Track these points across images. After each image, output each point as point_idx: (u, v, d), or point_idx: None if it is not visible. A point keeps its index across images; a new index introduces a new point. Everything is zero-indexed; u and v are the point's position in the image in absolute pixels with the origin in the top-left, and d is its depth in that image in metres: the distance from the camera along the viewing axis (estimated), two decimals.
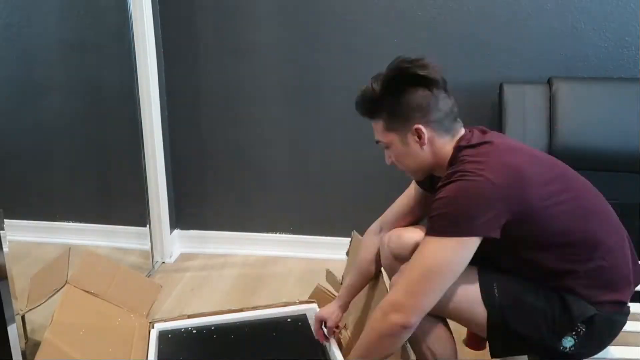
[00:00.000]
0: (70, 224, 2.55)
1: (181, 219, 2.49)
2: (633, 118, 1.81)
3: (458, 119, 1.22)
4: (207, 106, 2.32)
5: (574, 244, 1.12)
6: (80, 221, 2.55)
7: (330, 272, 1.97)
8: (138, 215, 2.34)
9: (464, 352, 1.75)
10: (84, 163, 2.49)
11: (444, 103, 1.18)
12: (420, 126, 1.17)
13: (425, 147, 1.19)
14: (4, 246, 1.36)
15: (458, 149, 1.17)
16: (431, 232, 1.10)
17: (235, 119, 2.31)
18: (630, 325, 1.52)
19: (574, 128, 1.85)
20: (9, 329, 1.33)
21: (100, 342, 1.52)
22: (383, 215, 1.52)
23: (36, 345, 1.42)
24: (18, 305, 1.51)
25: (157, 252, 2.38)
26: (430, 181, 1.33)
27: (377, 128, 1.23)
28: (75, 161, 2.49)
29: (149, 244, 2.35)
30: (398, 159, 1.25)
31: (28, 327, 1.71)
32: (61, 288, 1.60)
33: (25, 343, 1.63)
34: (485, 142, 1.16)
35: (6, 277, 1.36)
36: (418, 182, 1.39)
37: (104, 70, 2.33)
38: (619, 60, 2.01)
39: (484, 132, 1.21)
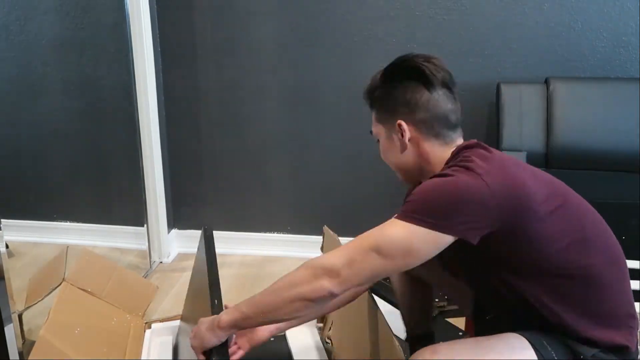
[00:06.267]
0: (68, 223, 2.54)
1: (179, 218, 2.49)
2: (631, 118, 1.81)
3: (458, 129, 1.13)
4: (205, 105, 2.32)
5: (570, 276, 1.03)
6: (78, 221, 2.55)
7: (327, 229, 1.85)
8: (135, 215, 2.33)
9: None
10: (82, 163, 2.48)
11: (438, 106, 1.09)
12: (402, 122, 1.10)
13: (408, 146, 1.12)
14: (1, 246, 1.36)
15: (456, 151, 1.09)
16: (402, 215, 0.98)
17: (233, 118, 2.31)
18: None
19: (571, 128, 1.85)
20: (5, 329, 1.33)
21: (95, 341, 1.51)
22: None
23: (33, 345, 1.41)
24: (15, 305, 1.51)
25: (154, 252, 2.37)
26: None
27: (373, 118, 1.18)
28: (73, 161, 2.48)
29: (147, 243, 2.35)
30: (383, 154, 1.19)
31: (25, 328, 1.70)
32: (58, 286, 1.60)
33: (23, 343, 1.62)
34: (487, 152, 1.07)
35: (3, 277, 1.36)
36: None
37: (101, 70, 2.33)
38: (617, 60, 2.01)
39: (485, 149, 1.10)
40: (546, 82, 1.91)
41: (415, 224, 0.96)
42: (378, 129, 1.17)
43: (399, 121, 1.11)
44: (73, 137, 2.45)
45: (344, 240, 1.76)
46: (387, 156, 1.18)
